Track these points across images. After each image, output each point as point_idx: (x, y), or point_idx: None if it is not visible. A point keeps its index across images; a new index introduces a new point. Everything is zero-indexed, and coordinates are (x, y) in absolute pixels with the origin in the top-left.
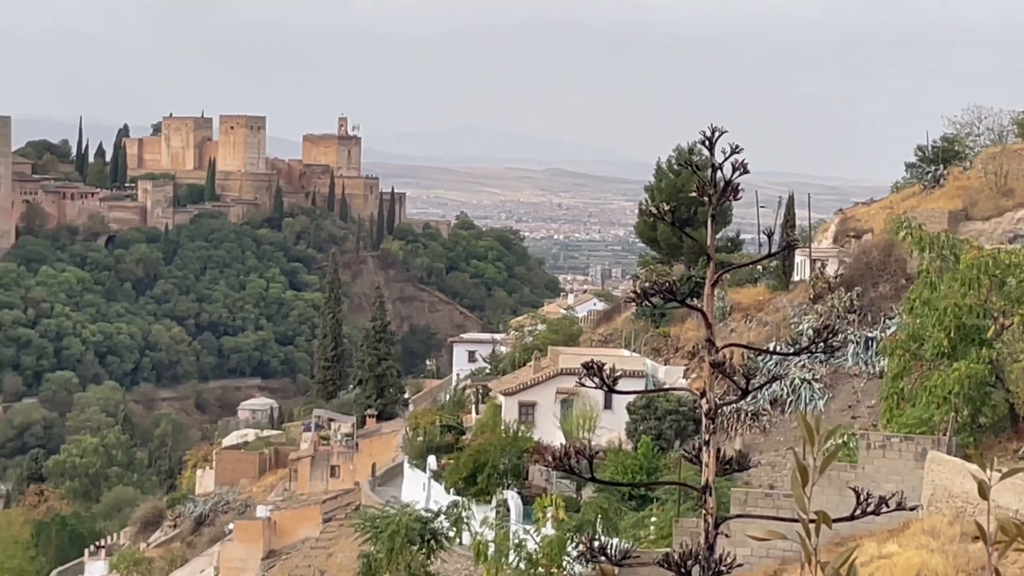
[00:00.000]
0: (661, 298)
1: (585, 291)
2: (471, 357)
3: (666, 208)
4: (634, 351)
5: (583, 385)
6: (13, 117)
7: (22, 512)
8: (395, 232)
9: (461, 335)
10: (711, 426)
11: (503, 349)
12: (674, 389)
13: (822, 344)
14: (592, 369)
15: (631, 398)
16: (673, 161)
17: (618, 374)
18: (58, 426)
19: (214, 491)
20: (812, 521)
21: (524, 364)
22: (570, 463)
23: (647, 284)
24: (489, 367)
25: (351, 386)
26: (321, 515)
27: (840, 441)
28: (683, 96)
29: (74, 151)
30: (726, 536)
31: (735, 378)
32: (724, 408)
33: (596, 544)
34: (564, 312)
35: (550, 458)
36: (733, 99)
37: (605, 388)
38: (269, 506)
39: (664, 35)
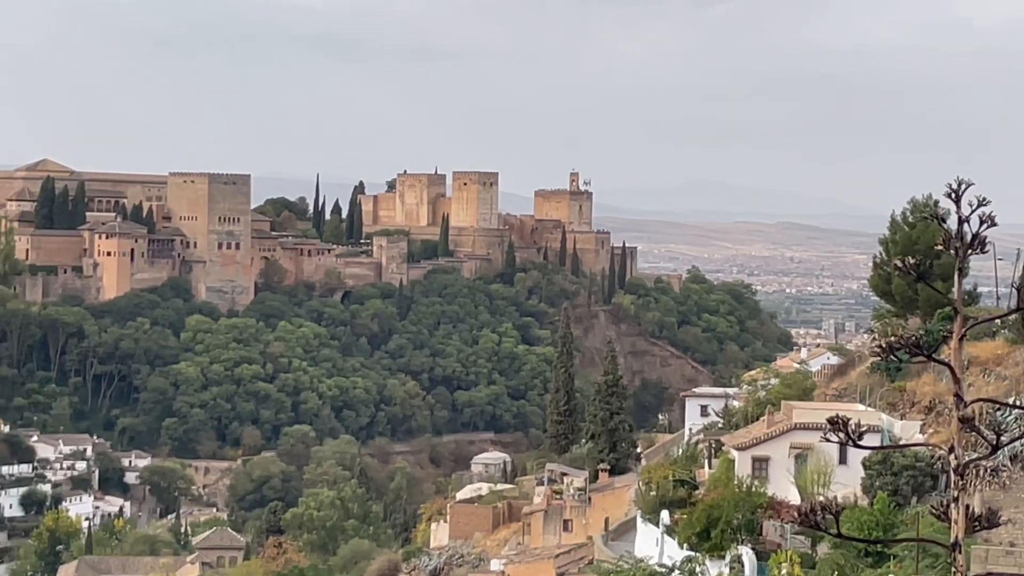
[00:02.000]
0: (906, 352)
1: (818, 345)
2: (703, 411)
3: (911, 262)
4: (869, 405)
5: (827, 440)
6: (253, 175)
7: (261, 564)
8: (626, 286)
9: (693, 389)
10: (959, 483)
11: (736, 403)
12: (915, 445)
13: None
14: (837, 424)
15: (866, 453)
16: (908, 213)
17: (863, 429)
18: (296, 479)
19: (448, 544)
20: None
21: (757, 418)
22: (815, 518)
23: (892, 338)
24: (722, 421)
25: (583, 440)
26: (555, 569)
27: None
28: (916, 146)
29: (311, 208)
30: None
31: (985, 434)
32: (975, 464)
33: None
34: (797, 366)
35: (796, 513)
36: (967, 147)
37: (850, 443)
38: (503, 560)
39: (894, 83)
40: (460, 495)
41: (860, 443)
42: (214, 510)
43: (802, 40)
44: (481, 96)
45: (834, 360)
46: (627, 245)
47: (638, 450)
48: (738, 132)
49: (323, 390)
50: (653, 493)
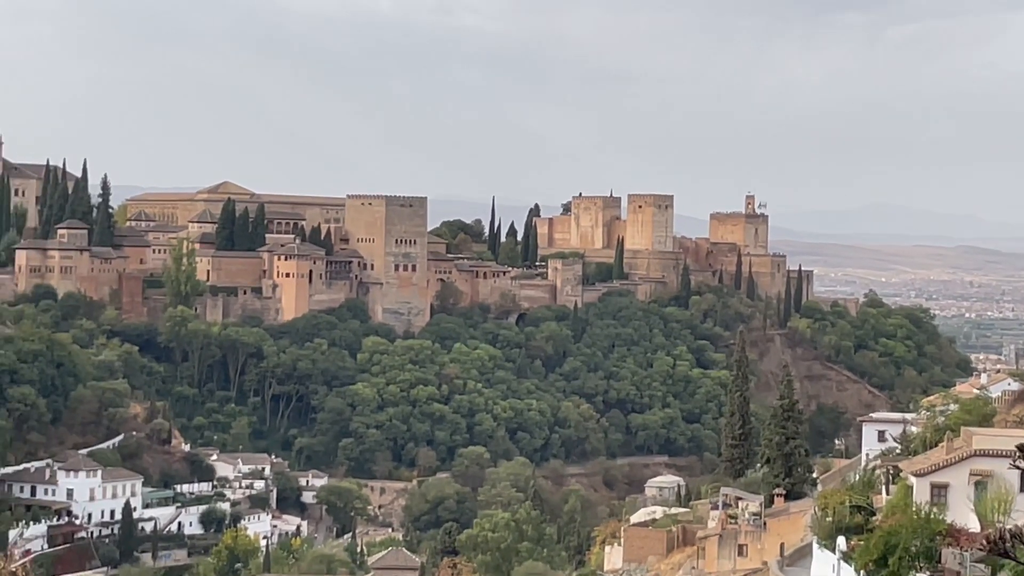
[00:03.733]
0: None
1: (999, 370)
2: (880, 437)
3: None
4: None
5: (1016, 467)
6: (429, 198)
7: None
8: (802, 310)
9: (870, 414)
10: None
11: (913, 429)
12: None
13: None
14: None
15: None
16: None
17: None
18: (470, 500)
19: (622, 568)
20: None
21: (936, 445)
22: (1004, 546)
23: None
24: (899, 447)
25: (759, 464)
26: None
27: None
28: None
29: (487, 230)
30: None
31: None
32: None
33: None
34: (977, 392)
35: (984, 540)
36: None
37: None
38: None
39: None
40: (634, 518)
41: None
42: (389, 530)
43: (983, 63)
44: (657, 118)
45: (1015, 386)
46: (803, 268)
47: (814, 475)
48: (917, 155)
49: (498, 412)
50: (829, 519)
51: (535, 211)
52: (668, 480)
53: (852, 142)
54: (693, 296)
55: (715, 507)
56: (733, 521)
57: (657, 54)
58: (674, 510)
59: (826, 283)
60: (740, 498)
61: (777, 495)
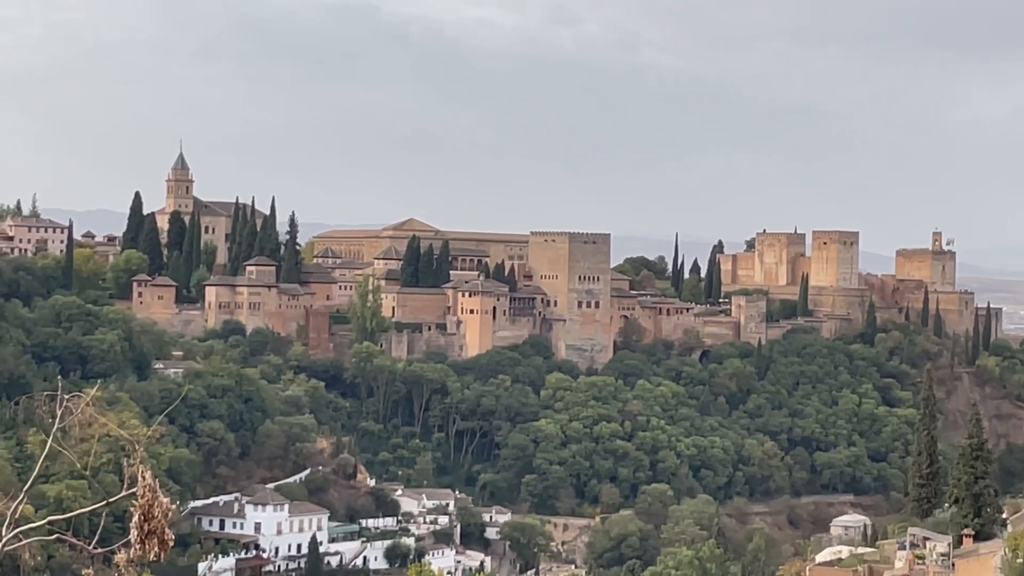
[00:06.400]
0: None
1: None
2: None
3: None
4: None
5: None
6: (612, 234)
7: None
8: (991, 348)
9: None
10: None
11: None
12: None
13: None
14: None
15: None
16: None
17: None
18: (653, 538)
19: None
20: None
21: None
22: None
23: None
24: None
25: (947, 504)
26: None
27: None
28: None
29: (670, 267)
30: None
31: None
32: None
33: None
34: None
35: None
36: None
37: None
38: None
39: None
40: (819, 558)
41: None
42: (572, 567)
43: None
44: (842, 154)
45: None
46: (992, 305)
47: (1003, 516)
48: None
49: (681, 449)
50: (1020, 560)
51: (719, 247)
52: (854, 519)
53: None
54: (879, 333)
55: (902, 547)
56: (921, 562)
57: (841, 89)
58: (860, 550)
59: (1015, 320)
60: (928, 538)
61: (966, 536)
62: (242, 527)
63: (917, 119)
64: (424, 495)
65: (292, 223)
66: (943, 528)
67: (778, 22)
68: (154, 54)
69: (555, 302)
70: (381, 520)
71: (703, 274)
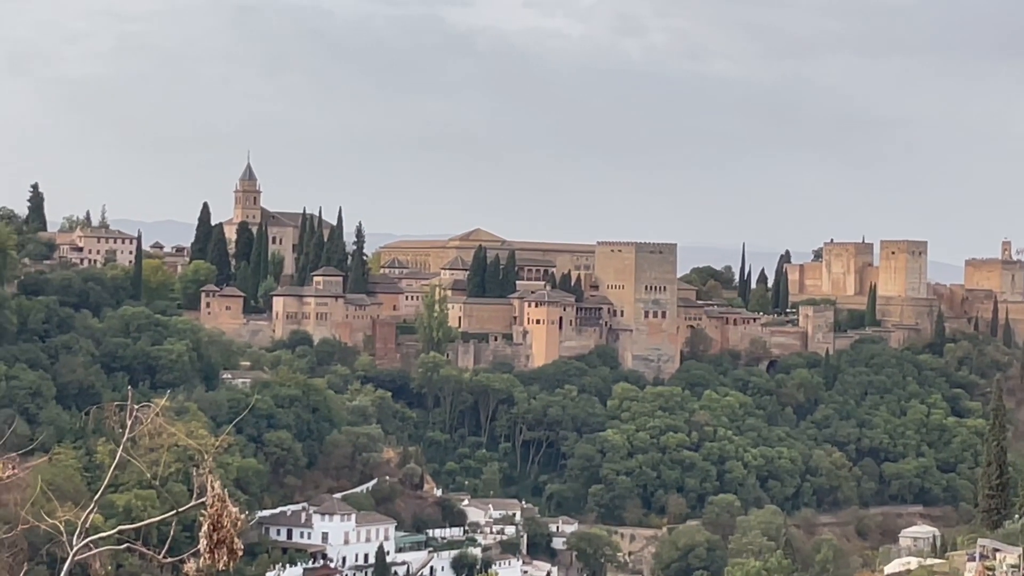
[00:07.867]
0: None
1: None
2: None
3: None
4: None
5: None
6: (679, 244)
7: None
8: None
9: None
10: None
11: None
12: None
13: None
14: None
15: None
16: None
17: None
18: (720, 549)
19: None
20: None
21: None
22: None
23: None
24: None
25: (1017, 515)
26: None
27: None
28: None
29: (737, 277)
30: None
31: None
32: None
33: None
34: None
35: None
36: None
37: None
38: None
39: None
40: (888, 569)
41: None
42: None
43: None
44: (908, 163)
45: None
46: None
47: None
48: None
49: (748, 459)
50: None
51: (786, 257)
52: (923, 530)
53: None
54: (948, 343)
55: (972, 559)
56: (991, 573)
57: (907, 98)
58: (929, 561)
59: None
60: (998, 550)
61: None
62: (309, 537)
63: (984, 128)
64: (491, 505)
65: (359, 233)
66: (1013, 539)
67: (844, 32)
68: (223, 65)
69: (621, 312)
70: (448, 530)
71: (770, 284)
